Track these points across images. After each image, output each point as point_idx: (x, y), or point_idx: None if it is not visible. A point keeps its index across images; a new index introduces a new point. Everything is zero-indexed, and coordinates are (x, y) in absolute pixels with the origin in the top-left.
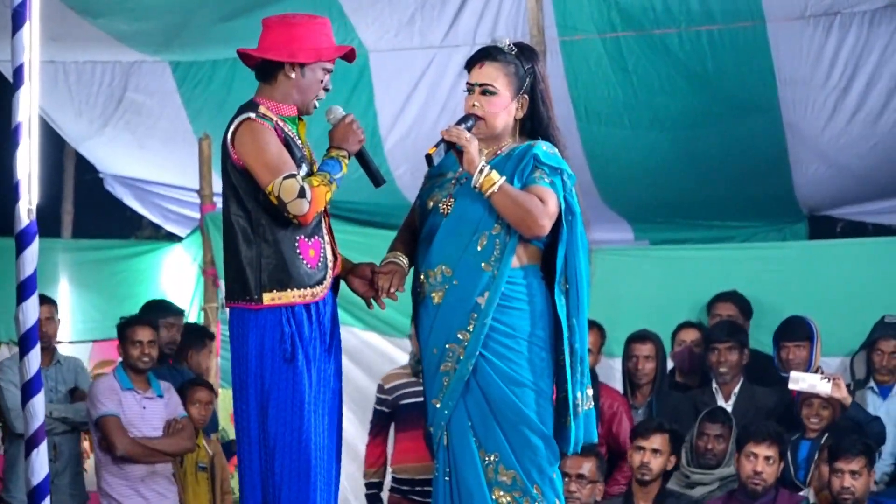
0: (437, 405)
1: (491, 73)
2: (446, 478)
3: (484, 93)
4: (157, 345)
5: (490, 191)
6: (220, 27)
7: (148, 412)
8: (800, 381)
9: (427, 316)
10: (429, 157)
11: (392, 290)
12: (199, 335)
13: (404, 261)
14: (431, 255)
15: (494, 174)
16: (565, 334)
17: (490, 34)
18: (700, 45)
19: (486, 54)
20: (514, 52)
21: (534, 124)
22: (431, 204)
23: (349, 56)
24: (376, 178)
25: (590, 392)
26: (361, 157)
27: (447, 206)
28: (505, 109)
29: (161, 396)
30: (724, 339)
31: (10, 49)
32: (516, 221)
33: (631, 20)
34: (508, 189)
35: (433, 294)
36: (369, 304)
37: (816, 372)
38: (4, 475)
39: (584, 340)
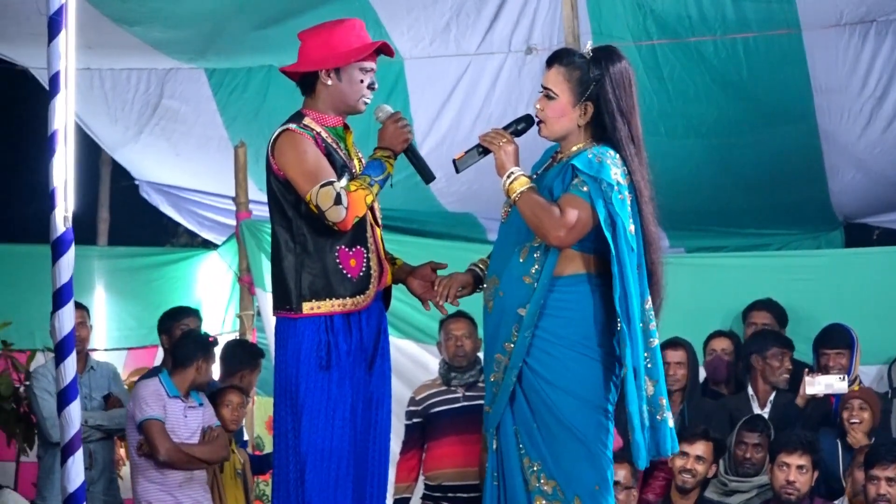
0: (489, 411)
1: (555, 78)
2: (495, 482)
3: (547, 96)
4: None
5: (514, 197)
6: (255, 35)
7: (189, 420)
8: (815, 384)
9: (485, 324)
10: (455, 163)
11: (448, 299)
12: (252, 354)
13: (483, 270)
14: (491, 264)
15: (521, 180)
16: (619, 342)
17: (525, 41)
18: (735, 53)
19: (556, 57)
20: (588, 57)
21: (600, 131)
22: (502, 211)
23: (384, 50)
24: (426, 174)
25: (663, 402)
26: (410, 153)
27: (505, 214)
28: (565, 115)
29: (201, 405)
30: (771, 346)
31: (47, 57)
32: (534, 231)
33: (666, 28)
34: (529, 197)
35: (488, 303)
36: (426, 306)
37: (854, 381)
38: (39, 483)
39: (638, 350)
